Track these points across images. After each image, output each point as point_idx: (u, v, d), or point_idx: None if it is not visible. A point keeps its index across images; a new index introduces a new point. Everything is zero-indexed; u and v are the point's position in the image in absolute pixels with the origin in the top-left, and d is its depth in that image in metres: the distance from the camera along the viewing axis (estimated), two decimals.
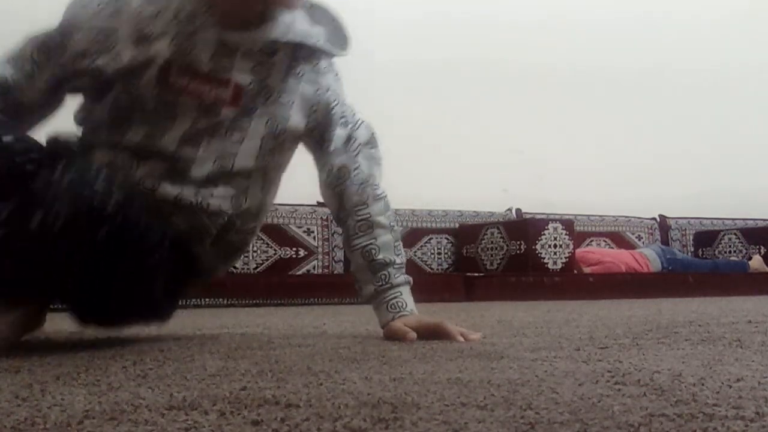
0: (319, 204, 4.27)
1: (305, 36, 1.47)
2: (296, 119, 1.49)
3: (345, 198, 1.54)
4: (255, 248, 4.06)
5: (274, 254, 4.11)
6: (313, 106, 1.51)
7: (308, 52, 1.49)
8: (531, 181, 5.01)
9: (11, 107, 1.40)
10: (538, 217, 4.53)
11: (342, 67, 1.58)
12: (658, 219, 5.27)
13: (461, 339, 1.43)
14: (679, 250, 5.02)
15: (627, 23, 5.36)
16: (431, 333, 1.46)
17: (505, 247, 4.12)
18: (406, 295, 1.52)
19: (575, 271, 4.10)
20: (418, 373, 0.98)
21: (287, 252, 4.14)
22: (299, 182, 4.17)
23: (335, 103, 1.54)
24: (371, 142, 1.59)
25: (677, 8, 5.49)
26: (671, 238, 5.24)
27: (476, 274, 4.01)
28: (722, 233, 5.02)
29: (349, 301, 3.35)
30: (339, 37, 1.53)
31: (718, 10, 5.60)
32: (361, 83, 4.46)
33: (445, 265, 4.58)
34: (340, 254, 4.24)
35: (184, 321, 2.21)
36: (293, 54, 1.47)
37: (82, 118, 1.49)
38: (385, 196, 1.57)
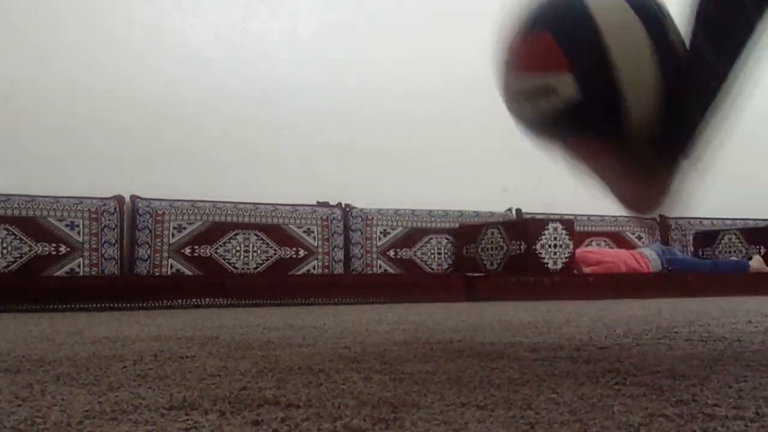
0: (319, 204, 4.26)
1: None
2: None
3: None
4: (255, 248, 4.06)
5: (274, 254, 4.10)
6: None
7: None
8: (531, 181, 5.01)
9: None
10: (538, 217, 4.52)
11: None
12: (658, 219, 5.26)
13: None
14: (679, 250, 5.01)
15: None
16: None
17: (505, 247, 4.12)
18: None
19: (575, 271, 4.10)
20: (418, 373, 0.98)
21: (287, 252, 4.14)
22: (299, 182, 4.16)
23: None
24: None
25: None
26: (671, 238, 5.23)
27: (476, 274, 4.00)
28: (722, 233, 5.01)
29: (349, 301, 3.35)
30: None
31: None
32: (362, 84, 4.47)
33: (445, 265, 4.57)
34: (340, 254, 4.23)
35: (184, 321, 2.21)
36: None
37: None
38: None
